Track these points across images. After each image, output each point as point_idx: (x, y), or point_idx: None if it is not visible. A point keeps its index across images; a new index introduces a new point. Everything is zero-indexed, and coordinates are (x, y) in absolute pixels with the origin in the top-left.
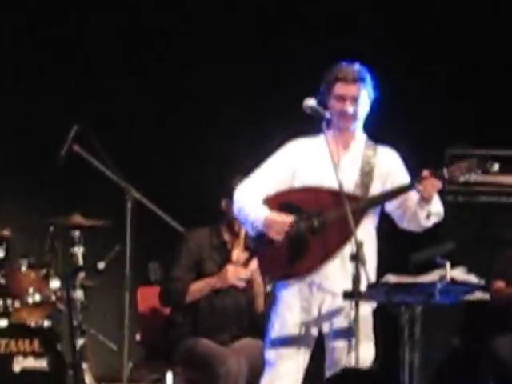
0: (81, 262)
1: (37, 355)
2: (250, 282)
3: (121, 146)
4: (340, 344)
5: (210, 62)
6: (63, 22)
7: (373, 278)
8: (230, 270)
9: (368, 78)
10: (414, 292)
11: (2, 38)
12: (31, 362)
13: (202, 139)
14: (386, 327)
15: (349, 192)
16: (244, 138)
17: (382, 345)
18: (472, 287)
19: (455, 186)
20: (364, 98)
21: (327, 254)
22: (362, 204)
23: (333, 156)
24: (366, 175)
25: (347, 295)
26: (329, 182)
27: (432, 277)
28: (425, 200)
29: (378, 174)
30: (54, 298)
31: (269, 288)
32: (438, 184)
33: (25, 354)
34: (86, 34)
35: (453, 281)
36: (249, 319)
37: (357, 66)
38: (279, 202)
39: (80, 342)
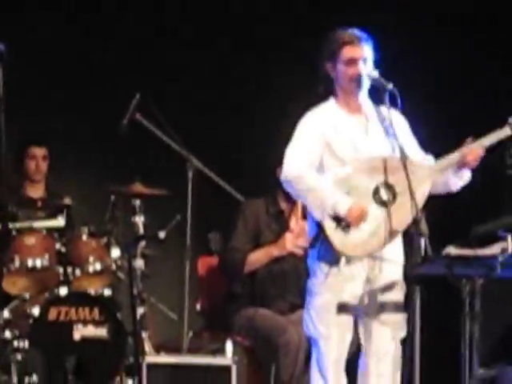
0: (141, 230)
1: (97, 323)
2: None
3: (183, 116)
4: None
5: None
6: None
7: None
8: (288, 237)
9: (369, 39)
10: (476, 265)
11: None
12: (91, 330)
13: (262, 113)
14: (447, 299)
15: (400, 155)
16: None
17: (443, 317)
18: None
19: None
20: (370, 58)
21: (401, 224)
22: (436, 167)
23: (359, 122)
24: (391, 134)
25: (405, 267)
26: (366, 150)
27: (494, 250)
28: (462, 165)
29: (398, 131)
30: (114, 266)
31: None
32: (482, 153)
33: (85, 322)
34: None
35: None
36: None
37: (357, 30)
38: (339, 177)
39: (140, 310)
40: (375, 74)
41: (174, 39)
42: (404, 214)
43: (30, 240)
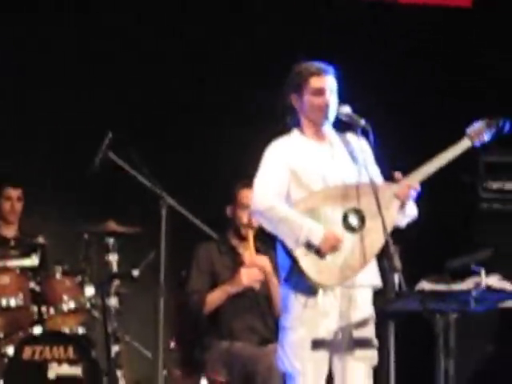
0: (115, 269)
1: (71, 362)
2: (265, 284)
3: (155, 154)
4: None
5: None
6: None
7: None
8: (243, 272)
9: (335, 71)
10: (449, 299)
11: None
12: (66, 369)
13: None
14: (420, 335)
15: (366, 180)
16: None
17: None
18: (507, 295)
19: (490, 194)
20: (335, 90)
21: (373, 248)
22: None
23: (325, 150)
24: (357, 162)
25: (379, 302)
26: (333, 177)
27: (467, 284)
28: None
29: (361, 158)
30: (88, 305)
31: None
32: (416, 187)
33: (59, 361)
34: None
35: (488, 288)
36: (273, 321)
37: (322, 62)
38: (307, 207)
39: (115, 348)
40: (347, 109)
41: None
42: (375, 238)
43: (4, 279)
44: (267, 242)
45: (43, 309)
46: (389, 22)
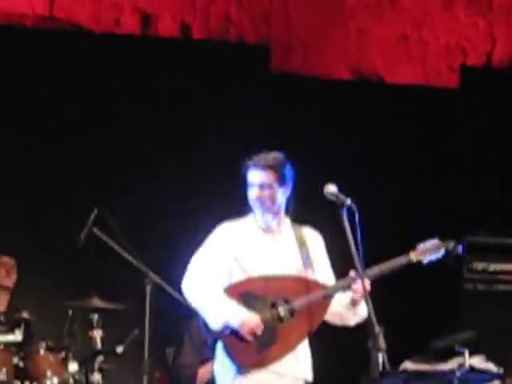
0: (99, 345)
1: None
2: None
3: (138, 230)
4: None
5: None
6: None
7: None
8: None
9: (281, 164)
10: (433, 379)
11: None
12: None
13: None
14: None
15: (306, 276)
16: None
17: None
18: (491, 375)
19: (475, 275)
20: (275, 183)
21: (296, 340)
22: (330, 291)
23: (271, 241)
24: (306, 256)
25: (364, 382)
26: (273, 267)
27: (451, 364)
28: (354, 302)
29: (312, 255)
30: (72, 381)
31: None
32: (368, 287)
33: None
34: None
35: (472, 369)
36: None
37: (273, 154)
38: (240, 291)
39: None
40: (333, 189)
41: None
42: (299, 333)
43: None
44: None
45: None
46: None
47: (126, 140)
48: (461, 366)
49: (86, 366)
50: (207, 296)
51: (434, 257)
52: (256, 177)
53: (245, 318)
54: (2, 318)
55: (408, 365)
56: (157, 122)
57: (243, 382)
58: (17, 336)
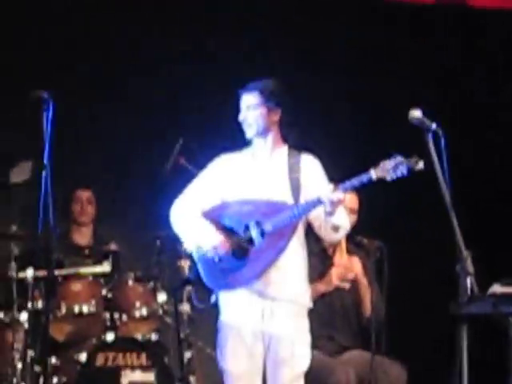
0: (188, 274)
1: (144, 368)
2: (355, 285)
3: None
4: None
5: None
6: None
7: (304, 287)
8: (335, 272)
9: (267, 86)
10: None
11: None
12: (139, 376)
13: None
14: (493, 338)
15: (283, 200)
16: None
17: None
18: None
19: None
20: (260, 104)
21: (268, 262)
22: (297, 211)
23: (259, 167)
24: (295, 182)
25: (452, 306)
26: (257, 192)
27: None
28: (328, 213)
29: (303, 180)
30: (161, 311)
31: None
32: (340, 197)
33: (132, 368)
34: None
35: None
36: (356, 324)
37: (263, 79)
38: (215, 216)
39: (187, 355)
40: (418, 114)
41: None
42: (270, 254)
43: (77, 286)
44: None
45: (116, 315)
46: None
47: None
48: None
49: (175, 296)
50: (184, 221)
51: (396, 174)
52: (243, 100)
53: (215, 242)
54: (88, 251)
55: (497, 288)
56: None
57: (225, 298)
58: (105, 267)
